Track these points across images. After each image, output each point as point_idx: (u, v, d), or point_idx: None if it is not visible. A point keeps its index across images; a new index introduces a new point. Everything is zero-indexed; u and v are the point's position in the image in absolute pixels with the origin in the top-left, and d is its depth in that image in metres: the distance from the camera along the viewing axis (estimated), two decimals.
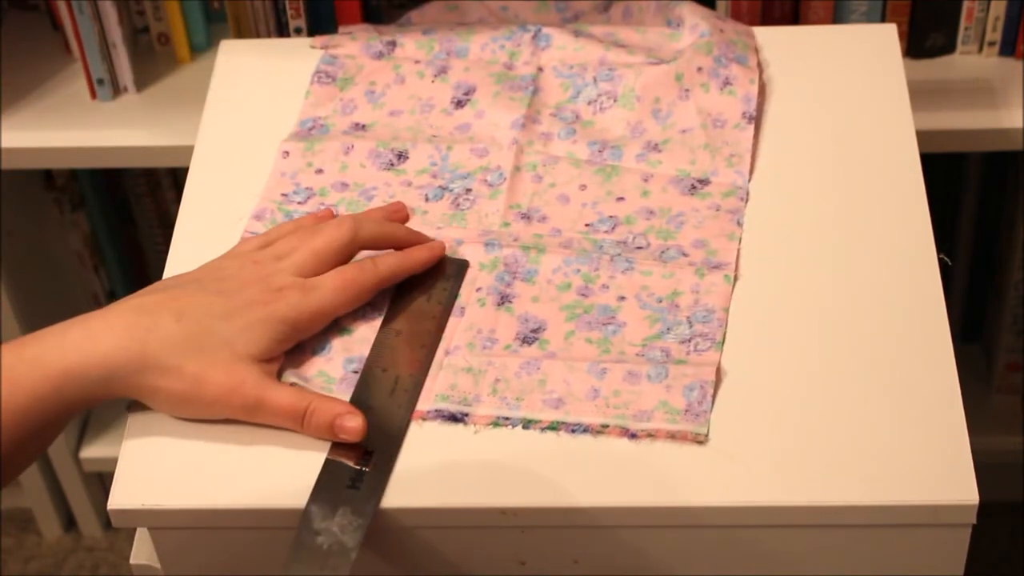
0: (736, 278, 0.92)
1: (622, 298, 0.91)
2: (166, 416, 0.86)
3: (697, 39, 1.05)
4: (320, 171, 1.00)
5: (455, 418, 0.85)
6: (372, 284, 0.90)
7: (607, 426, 0.84)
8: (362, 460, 0.83)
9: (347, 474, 0.82)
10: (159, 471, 0.84)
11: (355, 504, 0.80)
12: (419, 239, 0.94)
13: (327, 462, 0.83)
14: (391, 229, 0.94)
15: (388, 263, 0.91)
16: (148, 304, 0.85)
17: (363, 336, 0.89)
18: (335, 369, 0.88)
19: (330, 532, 0.79)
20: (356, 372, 0.87)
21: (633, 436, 0.83)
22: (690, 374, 0.86)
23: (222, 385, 0.83)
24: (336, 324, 0.90)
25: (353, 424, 0.83)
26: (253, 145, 1.03)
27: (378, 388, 0.86)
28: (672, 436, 0.83)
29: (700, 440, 0.83)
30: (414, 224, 0.96)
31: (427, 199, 0.98)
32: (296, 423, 0.84)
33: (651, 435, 0.83)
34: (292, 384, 0.86)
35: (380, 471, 0.82)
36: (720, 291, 0.91)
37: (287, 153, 1.01)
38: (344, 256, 0.91)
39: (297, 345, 0.88)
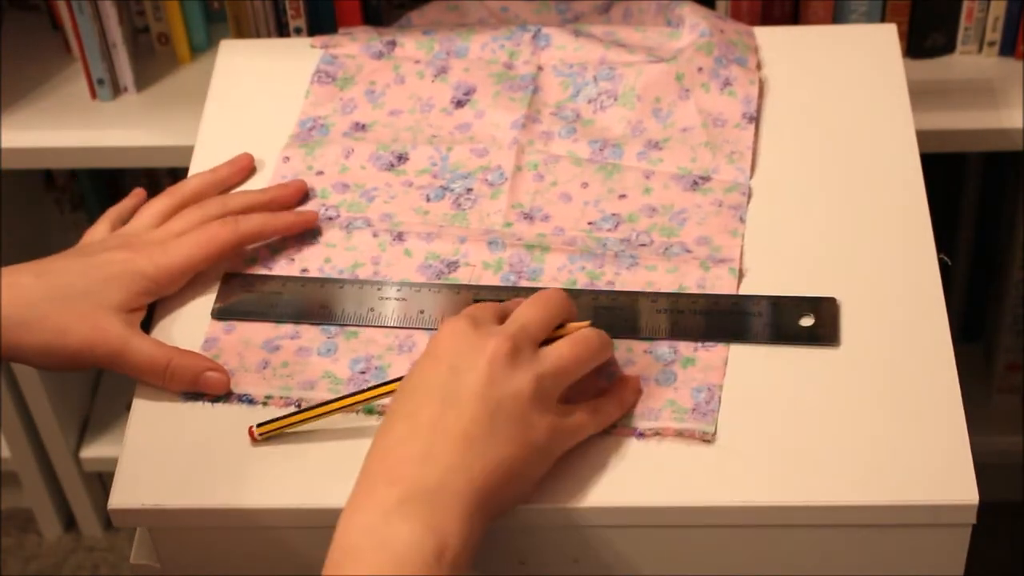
0: (741, 273, 0.91)
1: None
2: (166, 416, 0.86)
3: (697, 39, 1.05)
4: (320, 173, 1.00)
5: None
6: (233, 241, 0.91)
7: (614, 425, 0.83)
8: None
9: None
10: (159, 471, 0.84)
11: None
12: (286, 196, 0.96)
13: None
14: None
15: (252, 222, 0.92)
16: (9, 268, 0.87)
17: (369, 337, 0.89)
18: (342, 370, 0.87)
19: None
20: (363, 373, 0.87)
21: (641, 435, 0.83)
22: (699, 378, 0.85)
23: (85, 336, 0.85)
24: (342, 326, 0.90)
25: (217, 379, 0.85)
26: (253, 145, 1.02)
27: None
28: (679, 434, 0.83)
29: (707, 439, 0.83)
30: (414, 225, 0.96)
31: (428, 199, 0.98)
32: (158, 377, 0.86)
33: (658, 433, 0.83)
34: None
35: None
36: (726, 284, 0.90)
37: (287, 158, 1.01)
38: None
39: (301, 347, 0.88)
